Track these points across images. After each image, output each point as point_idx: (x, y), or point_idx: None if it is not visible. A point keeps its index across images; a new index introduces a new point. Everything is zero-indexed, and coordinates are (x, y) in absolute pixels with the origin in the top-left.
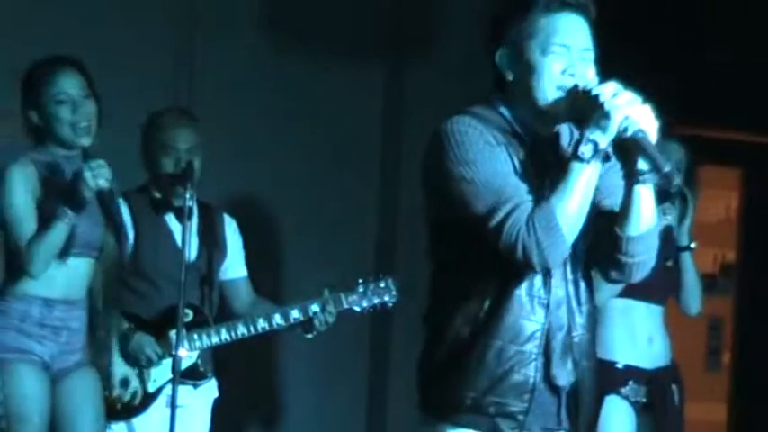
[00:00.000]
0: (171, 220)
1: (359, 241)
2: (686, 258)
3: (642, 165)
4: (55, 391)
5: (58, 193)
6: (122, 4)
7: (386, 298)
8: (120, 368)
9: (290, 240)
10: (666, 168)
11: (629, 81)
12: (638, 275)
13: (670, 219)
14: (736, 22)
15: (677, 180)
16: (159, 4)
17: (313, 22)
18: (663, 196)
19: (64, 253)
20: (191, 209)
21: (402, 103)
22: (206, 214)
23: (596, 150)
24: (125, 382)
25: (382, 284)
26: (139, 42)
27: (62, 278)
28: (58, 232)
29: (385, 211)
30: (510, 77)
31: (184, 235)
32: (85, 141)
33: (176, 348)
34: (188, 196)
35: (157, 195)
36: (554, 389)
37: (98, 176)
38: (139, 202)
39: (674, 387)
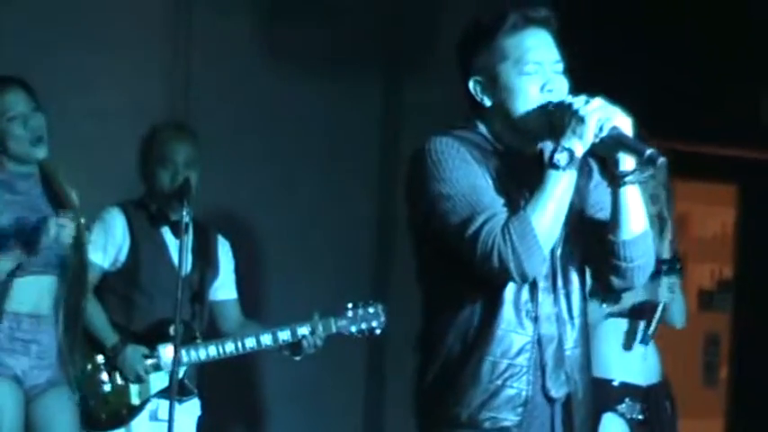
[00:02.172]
0: (167, 233)
1: (355, 258)
2: None
3: (624, 164)
4: (30, 410)
5: (16, 213)
6: (119, 20)
7: (374, 324)
8: None
9: (285, 257)
10: (648, 151)
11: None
12: (640, 279)
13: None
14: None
15: (661, 159)
16: (156, 19)
17: (310, 37)
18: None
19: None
20: (187, 224)
21: (400, 117)
22: (201, 233)
23: (572, 158)
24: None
25: (371, 310)
26: (137, 58)
27: (29, 293)
28: (3, 266)
29: (382, 227)
30: (488, 103)
31: (181, 250)
32: (41, 153)
33: (173, 365)
34: (185, 212)
35: (154, 209)
36: (548, 401)
37: (61, 232)
38: (137, 215)
39: (666, 404)
